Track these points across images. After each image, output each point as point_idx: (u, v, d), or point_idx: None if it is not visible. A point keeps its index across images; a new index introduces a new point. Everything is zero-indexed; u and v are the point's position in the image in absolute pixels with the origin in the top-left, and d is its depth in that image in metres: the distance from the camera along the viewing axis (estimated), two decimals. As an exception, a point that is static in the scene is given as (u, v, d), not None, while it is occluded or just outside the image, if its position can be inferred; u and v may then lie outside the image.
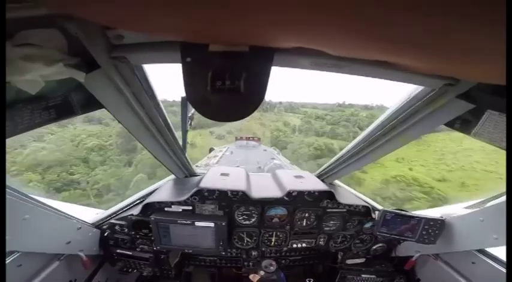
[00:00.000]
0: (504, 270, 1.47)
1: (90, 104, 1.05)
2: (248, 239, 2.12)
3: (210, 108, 0.80)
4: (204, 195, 1.94)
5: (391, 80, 1.01)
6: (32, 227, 1.30)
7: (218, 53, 0.73)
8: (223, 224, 1.86)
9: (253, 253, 2.27)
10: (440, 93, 1.05)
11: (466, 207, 1.73)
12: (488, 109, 1.00)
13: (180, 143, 1.68)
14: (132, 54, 0.86)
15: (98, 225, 1.99)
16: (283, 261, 2.43)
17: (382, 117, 1.39)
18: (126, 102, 1.10)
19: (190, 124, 1.51)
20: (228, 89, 0.74)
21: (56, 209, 1.54)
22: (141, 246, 2.12)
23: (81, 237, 1.77)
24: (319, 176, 2.30)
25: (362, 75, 0.96)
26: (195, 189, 1.83)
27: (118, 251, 2.11)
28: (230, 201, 1.98)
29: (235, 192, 1.94)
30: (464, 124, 1.14)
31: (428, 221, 1.71)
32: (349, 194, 2.28)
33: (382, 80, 1.02)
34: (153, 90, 1.15)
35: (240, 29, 0.56)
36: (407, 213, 1.78)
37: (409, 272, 2.26)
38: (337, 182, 2.40)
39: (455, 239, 1.67)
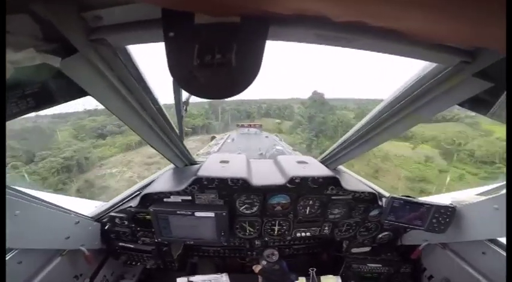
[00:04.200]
0: None
1: (73, 91, 0.98)
2: (250, 229, 2.07)
3: (198, 85, 0.73)
4: (203, 184, 1.87)
5: (403, 55, 0.92)
6: (25, 223, 1.26)
7: (205, 25, 0.64)
8: (224, 213, 1.80)
9: (257, 242, 2.23)
10: (455, 71, 0.97)
11: (479, 194, 1.64)
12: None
13: (177, 130, 1.60)
14: (112, 35, 0.80)
15: (97, 218, 1.95)
16: (286, 250, 2.40)
17: (389, 98, 1.30)
18: (112, 88, 1.02)
19: (186, 110, 1.43)
20: (217, 63, 0.67)
21: (51, 204, 1.50)
22: (142, 238, 2.09)
23: (80, 232, 1.73)
24: (322, 162, 2.22)
25: (372, 50, 0.88)
26: (193, 178, 1.77)
27: (120, 244, 2.09)
28: (230, 190, 1.91)
29: (235, 180, 1.87)
30: (479, 104, 1.05)
31: (439, 208, 1.63)
32: (354, 180, 2.20)
33: (394, 55, 0.94)
34: (141, 75, 1.07)
35: None
36: (416, 200, 1.70)
37: (415, 261, 2.20)
38: (341, 167, 2.32)
39: (466, 228, 1.59)
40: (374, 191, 2.00)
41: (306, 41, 0.85)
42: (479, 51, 0.87)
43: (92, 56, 0.85)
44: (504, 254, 1.47)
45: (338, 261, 2.37)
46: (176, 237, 1.91)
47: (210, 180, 1.86)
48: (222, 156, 2.23)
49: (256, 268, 1.61)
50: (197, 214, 1.79)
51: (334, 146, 2.01)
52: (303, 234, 2.14)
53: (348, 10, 0.59)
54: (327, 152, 2.15)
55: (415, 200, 1.71)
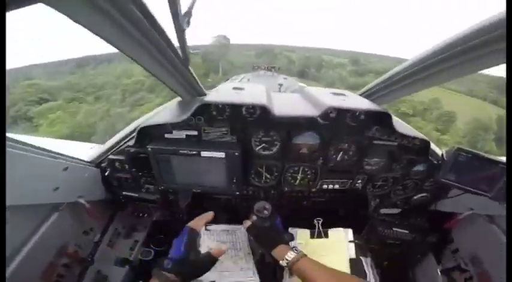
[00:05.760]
0: None
1: None
2: (267, 175, 1.74)
3: None
4: (211, 114, 1.51)
5: None
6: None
7: None
8: (237, 154, 1.47)
9: (273, 192, 1.90)
10: None
11: None
12: None
13: (180, 53, 1.20)
14: None
15: (96, 163, 1.67)
16: (304, 202, 2.07)
17: (461, 33, 0.89)
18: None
19: (188, 22, 1.00)
20: None
21: (35, 147, 1.15)
22: (146, 185, 1.83)
23: (74, 180, 1.44)
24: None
25: None
26: (197, 105, 1.40)
27: (124, 193, 1.86)
28: (245, 123, 1.55)
29: (251, 110, 1.50)
30: None
31: None
32: (401, 123, 1.76)
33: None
34: None
35: None
36: (490, 157, 1.29)
37: (445, 231, 1.90)
38: None
39: None
40: (427, 139, 1.58)
41: None
42: None
43: None
44: None
45: (361, 221, 2.06)
46: (181, 183, 1.64)
47: (221, 108, 1.49)
48: (236, 84, 1.80)
49: (246, 224, 1.30)
50: (204, 154, 1.46)
51: (379, 80, 1.57)
52: (330, 186, 1.79)
53: None
54: (369, 86, 1.70)
55: (487, 156, 1.30)
